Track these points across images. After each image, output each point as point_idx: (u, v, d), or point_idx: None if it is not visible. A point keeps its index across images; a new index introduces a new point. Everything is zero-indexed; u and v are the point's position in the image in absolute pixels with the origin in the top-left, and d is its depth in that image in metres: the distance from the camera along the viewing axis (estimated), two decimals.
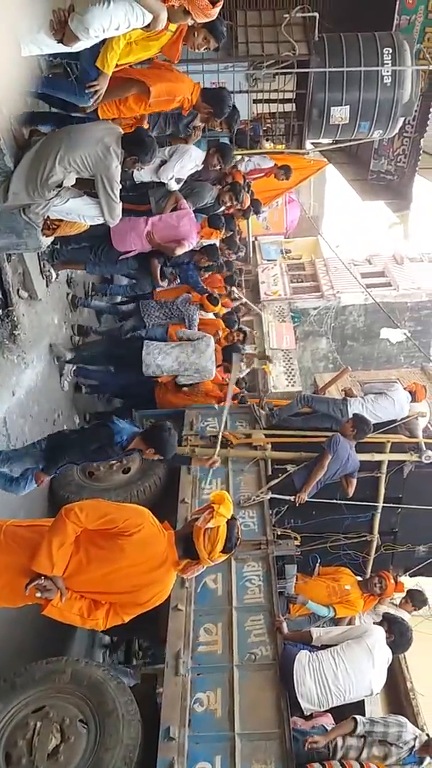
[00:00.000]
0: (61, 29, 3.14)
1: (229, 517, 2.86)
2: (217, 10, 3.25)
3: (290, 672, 3.92)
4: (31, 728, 3.50)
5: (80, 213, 4.39)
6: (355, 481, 5.53)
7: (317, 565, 5.51)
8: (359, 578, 5.54)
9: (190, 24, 3.46)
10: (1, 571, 2.80)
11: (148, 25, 3.21)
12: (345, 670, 3.94)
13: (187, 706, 3.75)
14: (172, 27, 3.53)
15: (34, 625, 4.47)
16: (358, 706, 4.36)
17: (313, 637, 4.31)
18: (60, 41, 3.21)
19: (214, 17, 3.32)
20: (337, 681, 3.93)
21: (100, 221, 4.45)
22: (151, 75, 4.45)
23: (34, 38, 3.18)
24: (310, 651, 4.12)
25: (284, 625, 4.32)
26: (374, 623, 4.69)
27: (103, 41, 3.59)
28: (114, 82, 4.12)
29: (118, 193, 4.17)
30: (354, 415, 5.80)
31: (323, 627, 4.86)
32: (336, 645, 4.15)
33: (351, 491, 5.53)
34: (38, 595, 2.71)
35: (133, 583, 2.88)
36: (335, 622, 5.28)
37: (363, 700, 4.38)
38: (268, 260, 22.13)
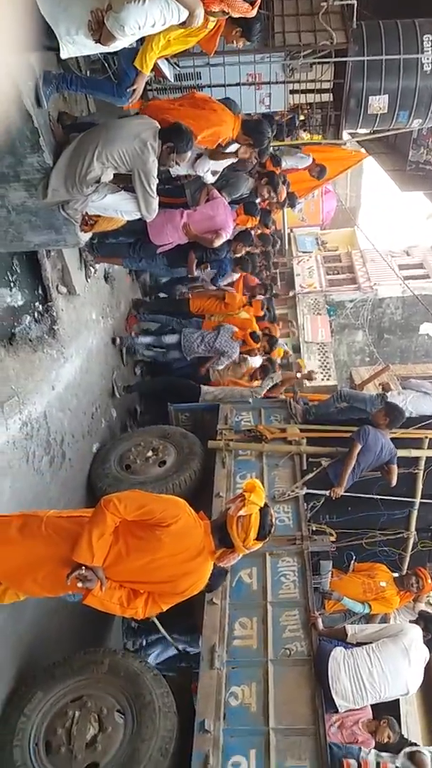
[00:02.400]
0: (99, 29, 3.16)
1: (262, 505, 2.89)
2: (255, 9, 3.22)
3: (325, 668, 3.92)
4: (70, 717, 3.60)
5: (118, 208, 4.43)
6: (395, 468, 5.42)
7: (352, 561, 5.48)
8: (395, 575, 5.48)
9: (226, 19, 3.45)
10: (43, 562, 2.87)
11: (184, 21, 3.20)
12: (380, 669, 3.92)
13: (222, 699, 3.78)
14: (211, 25, 3.52)
15: (73, 616, 4.57)
16: (394, 706, 4.33)
17: (348, 634, 4.29)
18: (98, 41, 3.23)
19: (253, 15, 3.30)
20: (372, 679, 3.91)
21: (137, 216, 4.49)
22: (196, 119, 4.56)
23: (73, 39, 3.21)
24: (345, 648, 4.11)
25: (319, 620, 4.31)
26: (410, 621, 4.65)
27: (141, 40, 3.61)
28: (162, 117, 4.27)
29: (155, 187, 4.19)
30: (386, 403, 5.72)
31: (358, 624, 4.84)
32: (371, 642, 4.13)
33: (393, 479, 5.42)
34: (79, 584, 2.78)
35: (171, 573, 2.93)
36: (370, 619, 5.25)
37: (398, 700, 4.36)
38: (304, 252, 21.95)
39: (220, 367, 7.30)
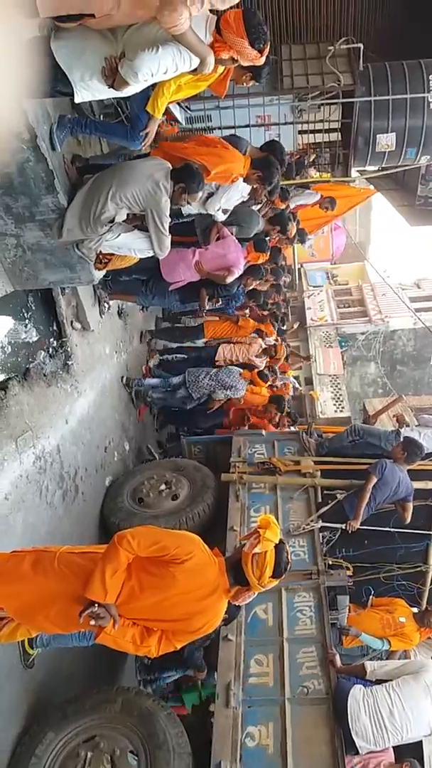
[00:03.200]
0: (113, 75, 3.28)
1: (277, 542, 2.84)
2: (264, 57, 3.33)
3: (344, 708, 3.81)
4: (82, 759, 3.54)
5: (131, 246, 4.53)
6: (410, 505, 5.36)
7: (371, 596, 5.37)
8: (414, 610, 5.36)
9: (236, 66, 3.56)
10: (55, 598, 2.84)
11: (196, 69, 3.31)
12: (401, 707, 3.80)
13: (239, 740, 3.69)
14: (220, 70, 3.64)
15: (85, 653, 4.51)
16: (417, 747, 4.19)
17: (367, 671, 4.18)
18: (111, 86, 3.35)
19: (262, 63, 3.41)
20: (393, 718, 3.79)
21: (150, 254, 4.58)
22: (208, 156, 4.66)
23: (87, 85, 3.33)
24: (364, 686, 4.00)
25: (337, 657, 4.21)
26: None
27: (153, 85, 3.74)
28: (171, 160, 4.37)
29: (167, 226, 4.29)
30: (405, 438, 5.69)
31: (377, 660, 4.72)
32: (391, 680, 4.02)
33: (408, 516, 5.36)
34: (92, 622, 2.73)
35: (185, 611, 2.87)
36: (390, 655, 5.12)
37: (421, 741, 4.21)
38: (314, 286, 22.12)
39: (221, 397, 7.33)
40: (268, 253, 6.79)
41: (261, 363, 7.70)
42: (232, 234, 6.31)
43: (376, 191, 10.34)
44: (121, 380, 6.95)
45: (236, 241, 6.22)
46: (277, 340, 8.41)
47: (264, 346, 7.92)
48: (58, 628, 2.96)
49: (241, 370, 7.35)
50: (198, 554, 2.84)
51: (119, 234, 4.35)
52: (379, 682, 4.06)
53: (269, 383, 7.88)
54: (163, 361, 7.99)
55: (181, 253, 5.97)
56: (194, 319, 8.36)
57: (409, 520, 5.37)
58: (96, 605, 2.72)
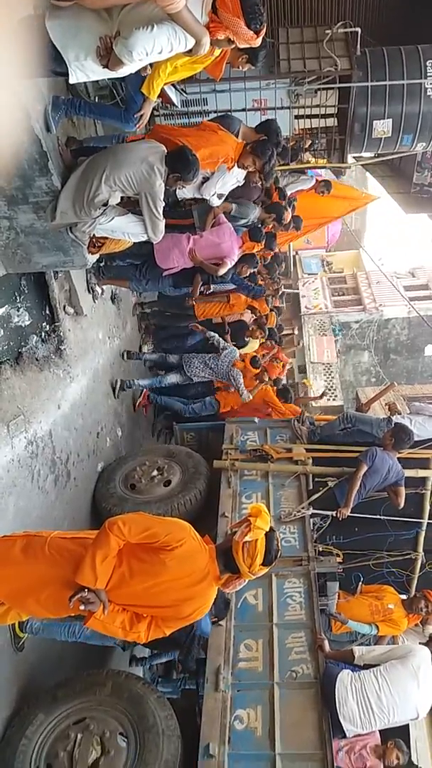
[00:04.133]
0: (107, 55, 3.23)
1: (267, 530, 2.85)
2: (260, 38, 3.28)
3: (332, 692, 3.86)
4: (72, 740, 3.56)
5: (125, 230, 4.49)
6: (402, 490, 5.40)
7: (360, 582, 5.42)
8: (403, 597, 5.42)
9: (233, 48, 3.51)
10: (46, 583, 2.85)
11: (191, 49, 3.26)
12: (389, 692, 3.85)
13: (227, 723, 3.73)
14: (216, 52, 3.59)
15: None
16: (403, 731, 4.25)
17: (355, 656, 4.23)
18: (105, 66, 3.30)
19: (258, 44, 3.37)
20: (381, 702, 3.84)
21: (144, 238, 4.54)
22: (195, 139, 4.66)
23: (82, 65, 3.27)
24: (352, 670, 4.04)
25: (326, 643, 4.26)
26: (420, 643, 4.58)
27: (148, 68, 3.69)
28: (167, 141, 4.35)
29: (161, 210, 4.25)
30: (395, 424, 5.71)
31: (366, 646, 4.78)
32: (379, 665, 4.07)
33: (401, 501, 5.39)
34: (82, 607, 2.73)
35: (175, 598, 2.88)
36: (378, 641, 5.18)
37: (407, 725, 4.28)
38: (309, 274, 22.10)
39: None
40: (263, 242, 6.76)
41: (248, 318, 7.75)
42: (231, 213, 6.28)
43: (378, 197, 10.30)
44: (115, 384, 6.95)
45: (231, 228, 6.18)
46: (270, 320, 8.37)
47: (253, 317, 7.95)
48: (48, 612, 2.97)
49: (236, 357, 7.34)
50: (188, 541, 2.84)
51: (113, 217, 4.31)
52: (367, 667, 4.10)
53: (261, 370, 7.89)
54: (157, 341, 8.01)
55: (176, 239, 5.93)
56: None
57: (402, 505, 5.40)
58: (86, 590, 2.73)
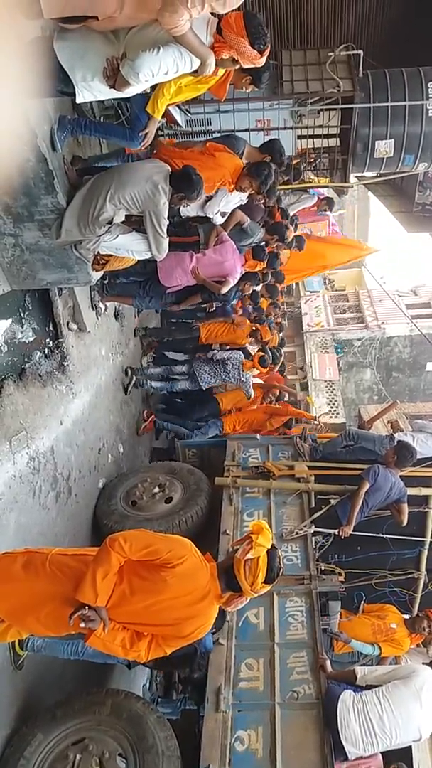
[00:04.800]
0: (114, 75, 3.28)
1: (269, 547, 2.83)
2: (264, 57, 3.33)
3: (334, 713, 3.81)
4: (71, 761, 3.52)
5: (129, 248, 4.53)
6: (405, 507, 5.36)
7: (362, 602, 5.37)
8: (406, 617, 5.37)
9: (237, 68, 3.57)
10: (46, 600, 2.83)
11: (196, 70, 3.32)
12: (391, 713, 3.80)
13: (228, 744, 3.68)
14: (221, 72, 3.65)
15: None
16: (406, 753, 4.19)
17: (357, 677, 4.18)
18: (112, 87, 3.35)
19: (262, 65, 3.42)
20: (383, 724, 3.79)
21: (148, 256, 4.58)
22: (194, 162, 4.72)
23: (89, 85, 3.33)
24: (354, 691, 3.99)
25: (328, 663, 4.21)
26: (423, 664, 4.53)
27: (153, 87, 3.75)
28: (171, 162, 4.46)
29: (165, 228, 4.30)
30: (398, 441, 5.70)
31: (368, 666, 4.72)
32: (381, 685, 4.01)
33: (404, 519, 5.36)
34: (82, 625, 2.72)
35: (176, 616, 2.86)
36: (380, 661, 5.12)
37: (410, 747, 4.21)
38: (311, 292, 22.18)
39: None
40: (266, 261, 6.82)
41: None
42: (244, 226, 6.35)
43: (379, 250, 10.59)
44: (124, 372, 6.98)
45: (234, 247, 6.24)
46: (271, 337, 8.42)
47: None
48: (49, 630, 2.95)
49: (242, 359, 7.39)
50: (190, 559, 2.82)
51: (117, 235, 4.36)
52: (369, 687, 4.05)
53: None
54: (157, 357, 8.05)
55: (179, 257, 5.98)
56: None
57: (405, 523, 5.37)
58: (86, 608, 2.71)
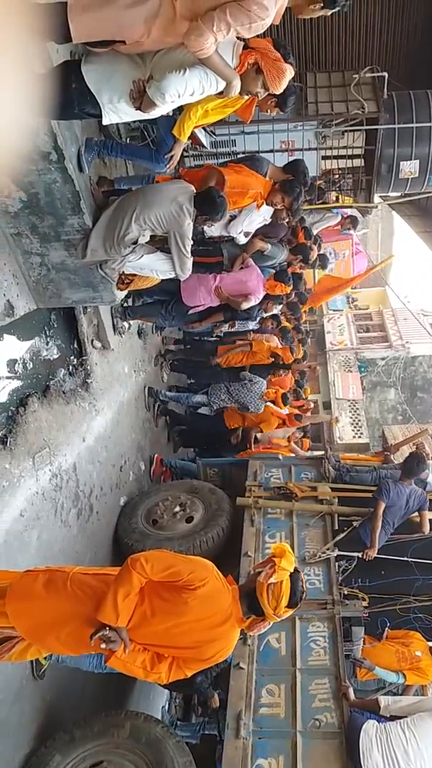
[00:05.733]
0: (140, 97, 3.33)
1: (292, 570, 2.78)
2: (289, 67, 3.34)
3: (356, 743, 3.70)
4: None
5: (153, 268, 4.56)
6: (426, 515, 5.28)
7: (386, 628, 5.25)
8: (431, 644, 5.22)
9: (261, 90, 3.59)
10: (67, 620, 2.80)
11: (222, 92, 3.35)
12: (416, 746, 3.67)
13: None
14: (246, 97, 3.68)
15: (96, 676, 4.45)
16: None
17: (380, 706, 4.06)
18: (138, 108, 3.40)
19: (285, 85, 3.44)
20: (407, 757, 3.66)
21: (172, 275, 4.61)
22: (227, 170, 4.83)
23: (115, 107, 3.38)
24: (378, 721, 3.88)
25: (350, 690, 4.11)
26: None
27: (179, 110, 3.79)
28: (195, 178, 4.56)
29: (189, 248, 4.32)
30: (410, 453, 5.64)
31: (391, 695, 4.59)
32: (406, 717, 3.89)
33: (426, 528, 5.28)
34: (103, 645, 2.69)
35: (197, 639, 2.82)
36: (405, 690, 4.98)
37: None
38: (335, 310, 22.10)
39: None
40: (290, 286, 6.81)
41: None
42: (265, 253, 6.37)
43: (393, 256, 10.62)
44: (145, 390, 7.01)
45: (259, 271, 6.29)
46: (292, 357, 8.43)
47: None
48: (69, 649, 2.93)
49: (264, 388, 7.36)
50: (212, 581, 2.78)
51: (142, 255, 4.39)
52: (393, 718, 3.93)
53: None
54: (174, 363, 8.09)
55: (203, 278, 6.05)
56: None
57: (428, 530, 5.27)
58: (107, 628, 2.68)
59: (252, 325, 7.33)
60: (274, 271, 6.69)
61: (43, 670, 3.95)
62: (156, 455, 7.24)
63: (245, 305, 6.17)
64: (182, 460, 7.87)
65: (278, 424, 7.70)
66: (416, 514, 5.39)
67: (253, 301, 6.24)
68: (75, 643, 2.84)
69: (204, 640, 2.82)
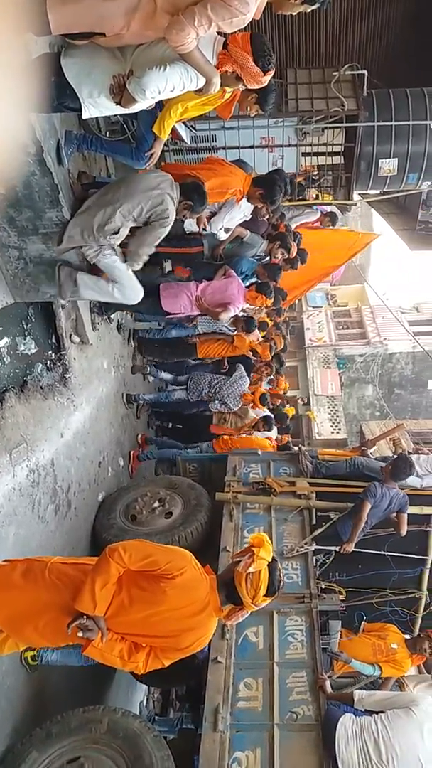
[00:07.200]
0: (120, 92, 3.31)
1: (270, 560, 2.82)
2: (268, 77, 3.36)
3: (332, 735, 3.73)
4: None
5: (117, 278, 4.44)
6: (405, 517, 5.32)
7: (362, 621, 5.32)
8: (407, 637, 5.30)
9: (242, 89, 3.60)
10: (45, 609, 2.81)
11: (201, 89, 3.34)
12: (389, 741, 3.67)
13: (225, 765, 3.62)
14: (227, 95, 3.68)
15: (73, 671, 4.44)
16: None
17: (354, 699, 4.11)
18: (118, 103, 3.38)
19: (266, 84, 3.44)
20: (379, 751, 3.65)
21: (124, 301, 4.52)
22: (205, 171, 4.90)
23: (95, 101, 3.36)
24: (355, 714, 3.92)
25: (327, 683, 4.15)
26: (427, 685, 4.45)
27: (160, 107, 3.78)
28: (175, 176, 4.49)
29: (155, 243, 4.31)
30: (398, 455, 5.67)
31: (367, 688, 4.65)
32: (382, 711, 3.92)
33: (403, 529, 5.32)
34: (80, 634, 2.70)
35: (174, 628, 2.85)
36: (382, 683, 5.05)
37: None
38: (314, 307, 22.23)
39: (213, 409, 7.57)
40: (271, 298, 6.83)
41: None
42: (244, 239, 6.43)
43: (379, 234, 10.29)
44: (122, 397, 6.96)
45: (240, 282, 6.35)
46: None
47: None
48: (46, 640, 2.94)
49: (246, 389, 7.39)
50: (189, 570, 2.81)
51: (116, 259, 4.34)
52: (369, 712, 3.98)
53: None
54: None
55: (184, 286, 6.12)
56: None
57: (404, 532, 5.33)
58: (84, 617, 2.70)
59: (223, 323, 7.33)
60: (254, 282, 6.73)
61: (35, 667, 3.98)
62: (132, 452, 7.22)
63: (224, 315, 6.23)
64: (159, 446, 7.82)
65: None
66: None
67: (232, 311, 6.30)
68: (53, 633, 2.85)
69: (181, 629, 2.85)
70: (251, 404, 7.70)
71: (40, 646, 3.18)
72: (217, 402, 7.41)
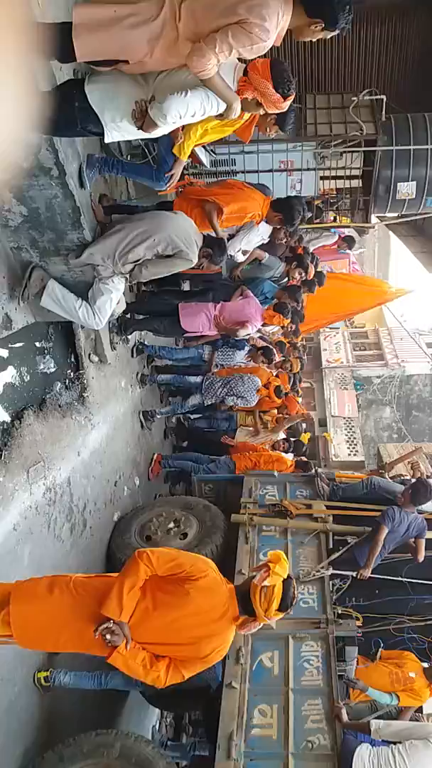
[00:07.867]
0: (142, 117, 3.37)
1: (285, 576, 2.90)
2: (288, 103, 3.40)
3: (349, 766, 3.65)
4: None
5: (98, 299, 4.50)
6: (423, 542, 5.24)
7: (380, 648, 5.20)
8: (425, 665, 5.17)
9: (261, 113, 3.65)
10: (70, 619, 2.89)
11: (222, 113, 3.39)
12: None
13: None
14: (246, 116, 3.73)
15: (86, 694, 4.41)
16: None
17: (371, 729, 4.01)
18: (140, 128, 3.44)
19: (285, 109, 3.49)
20: None
21: (82, 321, 4.56)
22: (224, 196, 5.04)
23: (117, 126, 3.42)
24: (371, 744, 3.83)
25: (343, 711, 4.06)
26: None
27: (181, 128, 3.84)
28: (191, 203, 4.86)
29: (160, 274, 4.58)
30: (417, 479, 5.60)
31: (384, 718, 4.53)
32: (399, 742, 3.83)
33: (421, 555, 5.23)
34: (107, 637, 2.77)
35: (195, 635, 2.91)
36: (400, 712, 4.92)
37: None
38: (331, 328, 22.15)
39: (230, 403, 7.50)
40: (289, 319, 6.85)
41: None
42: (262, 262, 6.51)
43: (410, 291, 10.25)
44: (139, 415, 6.98)
45: (257, 302, 6.38)
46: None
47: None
48: (72, 646, 3.00)
49: (259, 383, 7.38)
50: (211, 574, 2.94)
51: (121, 289, 4.49)
52: (387, 742, 3.88)
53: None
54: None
55: (202, 306, 6.19)
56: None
57: (422, 558, 5.24)
58: (111, 621, 2.77)
59: (240, 356, 7.36)
60: (273, 303, 6.76)
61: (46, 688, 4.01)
62: (156, 454, 7.27)
63: (241, 332, 6.27)
64: (178, 459, 7.81)
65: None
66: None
67: (250, 329, 6.34)
68: (79, 641, 2.93)
69: (202, 635, 2.91)
70: (266, 398, 7.68)
71: (66, 651, 3.24)
72: (234, 397, 7.34)
